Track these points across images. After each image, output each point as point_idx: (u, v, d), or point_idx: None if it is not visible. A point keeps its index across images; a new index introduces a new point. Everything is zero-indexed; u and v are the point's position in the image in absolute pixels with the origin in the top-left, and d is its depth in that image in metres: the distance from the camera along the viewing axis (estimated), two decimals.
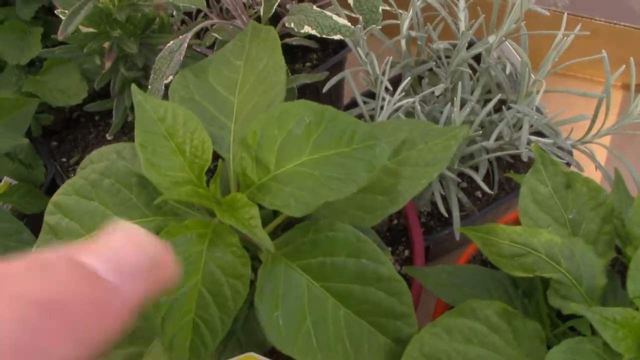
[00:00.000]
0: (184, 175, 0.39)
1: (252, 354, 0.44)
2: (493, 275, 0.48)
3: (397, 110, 0.51)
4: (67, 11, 0.51)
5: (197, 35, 0.59)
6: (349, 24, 0.48)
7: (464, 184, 0.59)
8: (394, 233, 0.56)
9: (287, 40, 0.65)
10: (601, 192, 0.44)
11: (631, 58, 0.46)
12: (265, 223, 0.43)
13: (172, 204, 0.41)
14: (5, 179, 0.60)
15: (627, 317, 0.36)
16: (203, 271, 0.37)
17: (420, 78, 0.58)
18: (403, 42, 0.55)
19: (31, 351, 0.15)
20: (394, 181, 0.43)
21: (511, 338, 0.41)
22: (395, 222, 0.56)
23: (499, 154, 0.51)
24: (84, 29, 0.58)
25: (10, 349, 0.15)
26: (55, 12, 0.59)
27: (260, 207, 0.39)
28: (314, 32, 0.48)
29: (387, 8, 0.54)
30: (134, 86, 0.41)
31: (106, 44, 0.58)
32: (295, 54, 0.69)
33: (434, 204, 0.59)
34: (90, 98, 0.64)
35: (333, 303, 0.40)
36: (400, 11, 0.55)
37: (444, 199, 0.56)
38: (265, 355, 0.46)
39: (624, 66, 0.48)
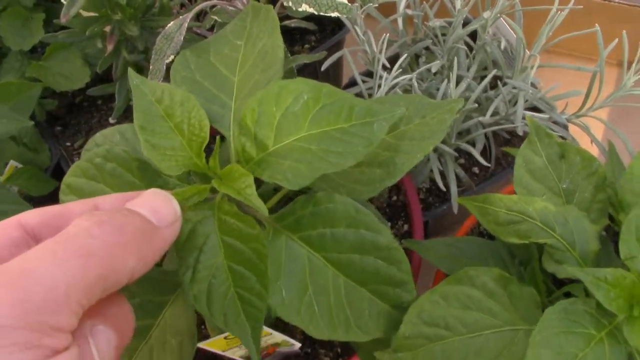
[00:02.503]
0: (183, 154, 0.40)
1: None
2: (490, 246, 0.49)
3: (394, 87, 0.52)
4: None
5: (197, 18, 0.60)
6: (346, 1, 0.49)
7: (462, 160, 0.60)
8: (393, 209, 0.57)
9: (286, 22, 0.66)
10: (594, 161, 0.45)
11: (624, 31, 0.47)
12: (265, 200, 0.44)
13: (175, 184, 0.42)
14: (12, 162, 0.61)
15: (618, 277, 0.37)
16: (223, 247, 0.38)
17: (417, 57, 0.59)
18: (400, 21, 0.56)
19: (112, 255, 0.24)
20: (391, 155, 0.44)
21: (507, 303, 0.42)
22: (394, 198, 0.57)
23: (495, 128, 0.52)
24: (85, 14, 0.59)
25: (101, 251, 0.23)
26: None
27: (261, 184, 0.40)
28: (311, 10, 0.49)
29: None
30: (130, 70, 0.42)
31: (107, 28, 0.59)
32: (294, 37, 0.70)
33: (432, 180, 0.60)
34: (93, 82, 0.65)
35: (333, 273, 0.41)
36: None
37: (442, 175, 0.57)
38: (270, 327, 0.48)
39: (617, 40, 0.49)
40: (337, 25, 0.68)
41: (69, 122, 0.69)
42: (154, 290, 0.46)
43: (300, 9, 0.49)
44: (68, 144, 0.67)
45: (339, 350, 0.54)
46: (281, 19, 0.62)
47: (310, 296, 0.41)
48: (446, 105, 0.44)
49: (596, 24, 0.49)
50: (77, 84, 0.65)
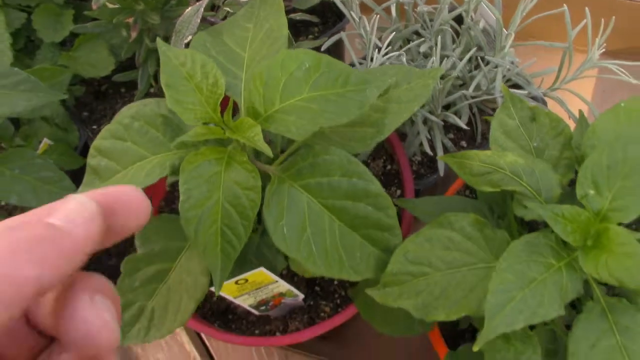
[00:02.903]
0: (202, 109, 0.46)
1: (262, 269, 0.52)
2: (472, 203, 0.55)
3: (384, 64, 0.59)
4: None
5: (212, 9, 0.67)
6: None
7: (451, 135, 0.66)
8: (387, 177, 0.63)
9: (292, 15, 0.72)
10: (561, 122, 0.51)
11: (586, 8, 0.53)
12: (273, 160, 0.50)
13: (192, 140, 0.48)
14: (45, 140, 0.68)
15: (574, 213, 0.43)
16: (223, 188, 0.45)
17: (408, 41, 0.66)
18: (393, 8, 0.63)
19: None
20: (381, 116, 0.50)
21: (483, 244, 0.47)
22: (388, 167, 0.63)
23: (477, 99, 0.58)
24: (111, 6, 0.66)
25: None
26: None
27: (269, 144, 0.46)
28: None
29: None
30: (158, 39, 0.49)
31: (130, 19, 0.66)
32: (299, 29, 0.77)
33: (424, 153, 0.66)
34: (117, 70, 0.72)
35: (329, 217, 0.47)
36: None
37: (432, 148, 0.63)
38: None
39: (585, 20, 0.55)
40: (338, 17, 0.75)
41: (95, 107, 0.76)
42: (172, 237, 0.52)
43: None
44: (94, 127, 0.74)
45: (338, 301, 0.60)
46: (287, 12, 0.69)
47: (309, 236, 0.47)
48: (429, 73, 0.50)
49: (564, 5, 0.55)
50: (103, 72, 0.72)
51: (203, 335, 0.79)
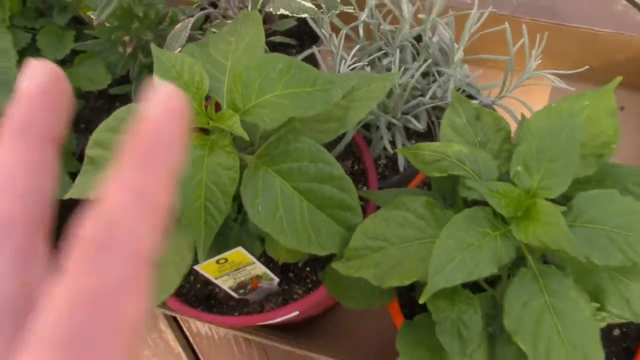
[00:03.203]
0: (189, 102, 0.53)
1: (240, 248, 0.58)
2: (429, 194, 0.62)
3: None
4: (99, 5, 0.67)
5: (200, 28, 0.75)
6: (313, 6, 0.63)
7: (413, 141, 0.74)
8: (355, 176, 0.70)
9: (271, 38, 0.81)
10: (502, 120, 0.58)
11: (523, 25, 0.62)
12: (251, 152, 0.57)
13: None
14: None
15: (507, 190, 0.50)
16: (206, 168, 0.51)
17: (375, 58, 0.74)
18: (360, 28, 0.71)
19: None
20: (344, 112, 0.57)
21: (433, 222, 0.54)
22: (355, 167, 0.71)
23: (431, 104, 0.66)
24: (108, 25, 0.74)
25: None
26: (85, 17, 0.75)
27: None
28: (286, 12, 0.63)
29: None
30: (153, 45, 0.56)
31: (127, 37, 0.74)
32: (278, 50, 0.85)
33: (387, 157, 0.74)
34: (113, 85, 0.80)
35: (299, 198, 0.54)
36: (356, 12, 0.71)
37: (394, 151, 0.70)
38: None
39: (522, 40, 0.64)
40: (313, 39, 0.83)
41: (91, 120, 0.83)
42: None
43: (278, 12, 0.64)
44: (90, 136, 0.81)
45: (310, 285, 0.66)
46: (268, 35, 0.77)
47: (281, 214, 0.54)
48: (386, 77, 0.58)
49: (506, 22, 0.63)
50: (100, 86, 0.79)
51: (187, 332, 0.85)
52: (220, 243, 0.60)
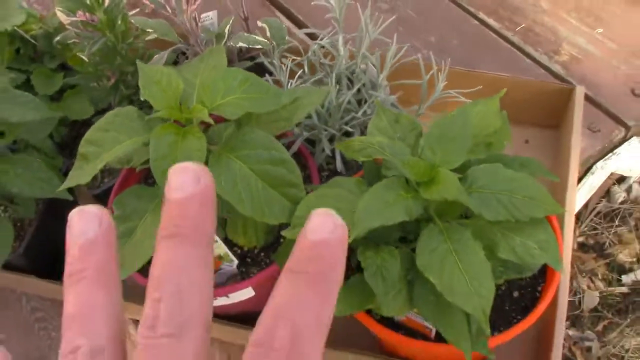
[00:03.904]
0: (167, 103, 0.67)
1: None
2: (358, 178, 0.76)
3: None
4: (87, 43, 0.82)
5: (174, 63, 0.90)
6: (266, 40, 0.80)
7: None
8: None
9: None
10: (416, 122, 0.74)
11: (430, 53, 0.79)
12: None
13: (160, 121, 0.69)
14: None
15: (416, 162, 0.64)
16: (180, 150, 0.65)
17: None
18: (305, 63, 0.87)
19: None
20: (290, 114, 0.72)
21: (361, 196, 0.68)
22: (303, 174, 0.84)
23: (363, 119, 0.81)
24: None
25: None
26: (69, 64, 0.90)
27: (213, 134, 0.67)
28: (244, 45, 0.79)
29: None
30: (138, 60, 0.71)
31: (109, 72, 0.89)
32: None
33: (329, 169, 0.88)
34: (95, 115, 0.93)
35: (255, 178, 0.67)
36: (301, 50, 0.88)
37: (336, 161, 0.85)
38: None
39: (435, 67, 0.81)
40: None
41: (75, 147, 0.96)
42: (141, 200, 0.71)
43: (237, 45, 0.80)
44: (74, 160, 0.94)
45: (264, 266, 0.78)
46: None
47: (240, 189, 0.67)
48: (323, 90, 0.73)
49: (419, 54, 0.80)
50: (84, 116, 0.93)
51: None
52: None
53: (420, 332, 0.72)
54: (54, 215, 0.90)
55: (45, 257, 0.91)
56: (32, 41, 0.97)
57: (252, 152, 0.68)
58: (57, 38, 0.91)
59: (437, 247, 0.63)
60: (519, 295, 0.74)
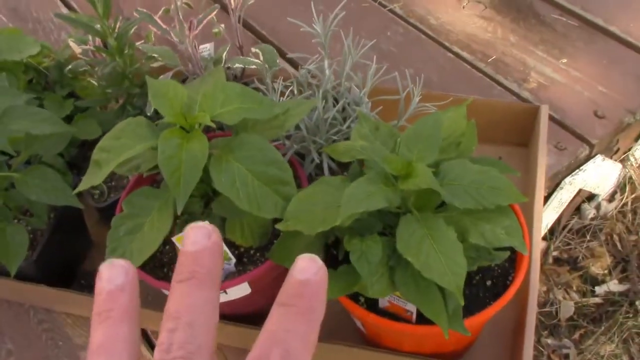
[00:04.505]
0: (173, 111, 0.76)
1: (206, 222, 0.78)
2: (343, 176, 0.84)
3: None
4: (98, 68, 0.92)
5: None
6: (260, 62, 0.89)
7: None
8: None
9: None
10: (394, 131, 0.82)
11: (406, 70, 0.88)
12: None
13: (168, 125, 0.77)
14: None
15: (395, 158, 0.73)
16: (185, 152, 0.73)
17: None
18: (294, 83, 0.97)
19: None
20: (282, 122, 0.81)
21: None
22: None
23: (347, 131, 0.90)
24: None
25: None
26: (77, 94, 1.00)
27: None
28: (240, 65, 0.89)
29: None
30: (146, 76, 0.80)
31: (117, 95, 0.97)
32: None
33: (317, 176, 0.96)
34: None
35: (251, 177, 0.75)
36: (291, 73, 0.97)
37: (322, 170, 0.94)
38: None
39: (410, 82, 0.90)
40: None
41: (83, 168, 1.04)
42: (148, 199, 0.79)
43: (234, 66, 0.89)
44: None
45: (259, 264, 0.85)
46: None
47: (238, 187, 0.74)
48: (311, 102, 0.82)
49: (396, 72, 0.90)
50: (93, 136, 1.01)
51: (153, 339, 1.00)
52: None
53: (402, 318, 0.79)
54: (64, 227, 0.97)
55: (54, 266, 0.98)
56: (44, 72, 1.06)
57: (248, 154, 0.76)
58: (69, 67, 1.00)
59: (414, 232, 0.70)
60: (491, 284, 0.82)
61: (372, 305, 0.80)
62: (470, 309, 0.78)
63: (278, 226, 0.75)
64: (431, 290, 0.71)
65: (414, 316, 0.77)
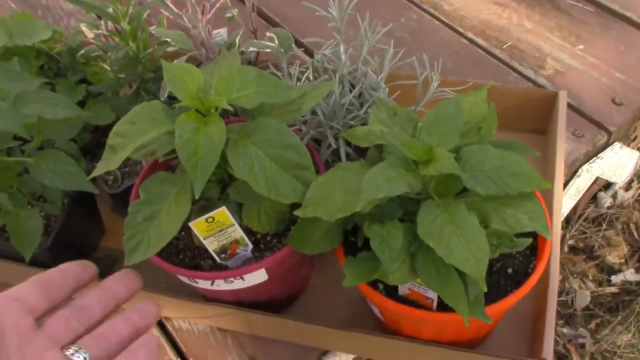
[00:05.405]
0: (190, 94, 0.75)
1: (224, 208, 0.77)
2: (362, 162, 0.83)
3: None
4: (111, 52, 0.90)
5: None
6: (275, 45, 0.88)
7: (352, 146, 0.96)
8: None
9: None
10: (412, 114, 0.81)
11: (424, 54, 0.87)
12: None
13: (183, 111, 0.76)
14: None
15: (415, 143, 0.71)
16: (202, 135, 0.71)
17: None
18: (310, 67, 0.95)
19: None
20: (299, 105, 0.79)
21: None
22: None
23: (365, 116, 0.88)
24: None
25: None
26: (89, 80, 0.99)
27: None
28: (255, 49, 0.87)
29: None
30: (162, 60, 0.78)
31: (131, 80, 0.96)
32: None
33: (334, 161, 0.95)
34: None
35: (269, 161, 0.74)
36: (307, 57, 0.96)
37: (339, 156, 0.92)
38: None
39: (427, 68, 0.89)
40: None
41: (96, 154, 1.03)
42: (165, 185, 0.77)
43: (249, 50, 0.88)
44: (95, 163, 1.01)
45: (276, 250, 0.84)
46: None
47: (256, 171, 0.73)
48: (328, 84, 0.81)
49: (414, 57, 0.88)
50: (106, 121, 1.00)
51: (170, 329, 0.99)
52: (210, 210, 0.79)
53: (422, 305, 0.78)
54: (78, 214, 0.97)
55: (68, 253, 0.97)
56: (56, 57, 1.05)
57: (266, 138, 0.75)
58: (81, 52, 0.99)
59: (436, 218, 0.69)
60: (512, 272, 0.80)
61: (390, 293, 0.78)
62: (490, 297, 0.76)
63: (297, 212, 0.74)
64: (452, 277, 0.70)
65: (435, 304, 0.76)
